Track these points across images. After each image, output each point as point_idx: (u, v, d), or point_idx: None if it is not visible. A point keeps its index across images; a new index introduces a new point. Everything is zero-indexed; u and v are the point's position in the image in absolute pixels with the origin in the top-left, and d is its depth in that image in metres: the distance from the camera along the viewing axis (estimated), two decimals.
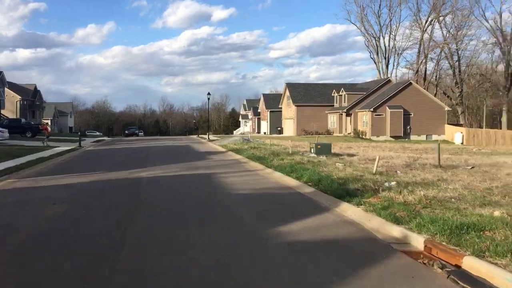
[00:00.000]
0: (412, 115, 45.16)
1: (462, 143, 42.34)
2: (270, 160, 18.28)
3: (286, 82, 55.26)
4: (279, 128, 56.90)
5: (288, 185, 11.60)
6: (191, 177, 13.71)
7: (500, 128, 57.58)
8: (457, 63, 65.11)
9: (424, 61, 63.32)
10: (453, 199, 8.22)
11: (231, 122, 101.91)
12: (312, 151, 22.42)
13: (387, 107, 44.77)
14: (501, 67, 63.56)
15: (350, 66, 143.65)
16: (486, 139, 42.66)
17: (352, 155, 23.02)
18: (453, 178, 11.96)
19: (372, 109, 44.61)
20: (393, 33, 65.95)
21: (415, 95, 45.59)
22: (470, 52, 67.57)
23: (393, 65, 66.53)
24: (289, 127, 53.55)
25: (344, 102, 48.53)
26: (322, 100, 51.78)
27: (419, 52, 62.73)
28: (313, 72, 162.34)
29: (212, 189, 10.99)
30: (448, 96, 64.50)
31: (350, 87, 51.51)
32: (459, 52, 64.46)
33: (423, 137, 45.30)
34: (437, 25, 64.09)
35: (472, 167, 16.85)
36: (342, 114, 48.55)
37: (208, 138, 41.09)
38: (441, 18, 62.89)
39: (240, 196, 9.98)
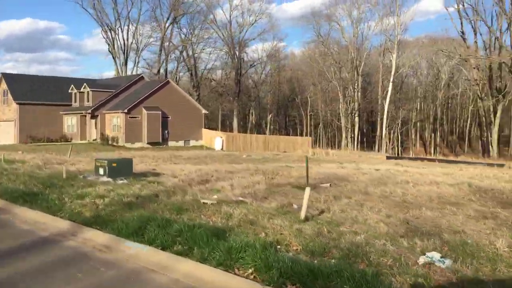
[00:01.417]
0: (170, 118, 40.06)
1: (222, 149, 40.04)
2: (51, 198, 9.66)
3: (1, 72, 41.08)
4: None
5: None
6: None
7: (232, 130, 59.44)
8: (194, 66, 64.29)
9: (165, 61, 59.61)
10: None
11: None
12: (102, 172, 14.17)
13: (143, 109, 38.14)
14: (234, 74, 66.30)
15: (53, 65, 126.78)
16: (243, 143, 41.71)
17: (158, 174, 15.90)
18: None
19: (126, 111, 37.10)
20: (132, 28, 59.69)
21: (173, 95, 40.65)
22: (207, 57, 68.23)
23: (135, 63, 60.19)
24: (7, 132, 39.81)
25: (88, 101, 39.07)
26: (57, 98, 40.54)
27: (160, 51, 58.52)
28: (10, 69, 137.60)
29: None
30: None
31: (95, 83, 42.23)
32: (195, 56, 63.81)
33: (181, 143, 40.86)
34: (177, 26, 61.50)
35: (330, 185, 12.97)
36: (85, 116, 38.95)
37: None
38: (178, 19, 60.52)
39: None
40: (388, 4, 58.42)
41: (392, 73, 58.38)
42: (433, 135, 73.69)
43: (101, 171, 13.99)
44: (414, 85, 75.91)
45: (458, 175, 17.28)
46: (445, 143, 77.34)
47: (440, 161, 35.10)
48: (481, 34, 47.73)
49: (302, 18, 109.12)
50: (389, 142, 67.52)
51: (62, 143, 37.12)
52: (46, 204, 8.91)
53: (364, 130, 76.27)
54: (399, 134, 72.02)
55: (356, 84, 61.91)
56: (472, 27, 47.30)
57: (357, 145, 64.67)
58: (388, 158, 38.21)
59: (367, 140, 73.81)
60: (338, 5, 63.48)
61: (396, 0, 55.91)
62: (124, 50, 58.65)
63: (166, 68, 60.07)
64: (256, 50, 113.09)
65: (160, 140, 38.86)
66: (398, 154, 56.45)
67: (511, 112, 41.14)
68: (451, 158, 40.11)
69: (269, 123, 69.14)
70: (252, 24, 65.90)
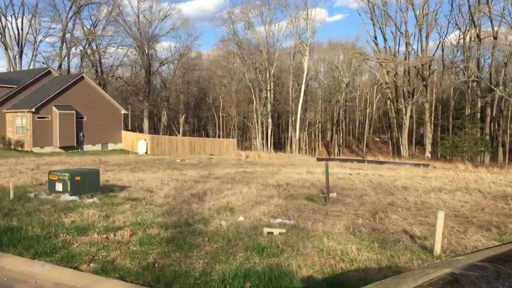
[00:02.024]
0: (85, 119, 35.48)
1: (146, 153, 36.61)
2: (40, 236, 6.96)
3: None
4: None
5: None
6: None
7: (142, 132, 55.48)
8: (99, 63, 58.85)
9: (67, 56, 53.44)
10: None
11: None
12: (61, 187, 11.41)
13: (54, 108, 33.16)
14: (143, 72, 62.01)
15: None
16: (169, 146, 38.68)
17: (124, 187, 13.32)
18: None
19: (34, 109, 31.89)
20: (28, 17, 52.54)
21: (88, 93, 36.05)
22: (114, 53, 62.94)
23: (33, 55, 52.96)
24: None
25: None
26: None
27: (62, 44, 52.28)
28: None
29: None
30: None
31: (15, 75, 35.87)
32: (100, 51, 58.45)
33: (99, 147, 36.46)
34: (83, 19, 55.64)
35: (335, 194, 11.90)
36: None
37: None
38: (81, 9, 54.70)
39: None
40: (299, 6, 59.11)
41: (304, 75, 59.23)
42: (336, 136, 76.83)
43: (58, 186, 11.05)
44: (315, 88, 78.15)
45: (435, 178, 17.11)
46: (344, 144, 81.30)
47: (369, 162, 35.84)
48: (386, 40, 50.64)
49: (215, 18, 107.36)
50: (298, 143, 68.89)
51: None
52: (43, 248, 6.09)
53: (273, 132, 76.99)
54: (307, 135, 73.93)
55: (268, 86, 61.81)
56: (382, 32, 49.94)
57: (270, 147, 64.71)
58: (318, 160, 38.23)
59: (277, 141, 74.49)
60: (250, 4, 62.83)
61: (307, 2, 56.53)
62: (19, 41, 51.35)
63: (69, 64, 54.00)
64: (168, 47, 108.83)
65: (75, 144, 34.20)
66: (316, 155, 57.58)
67: (426, 114, 43.86)
68: (375, 159, 41.50)
69: (182, 125, 66.07)
70: (162, 19, 62.33)
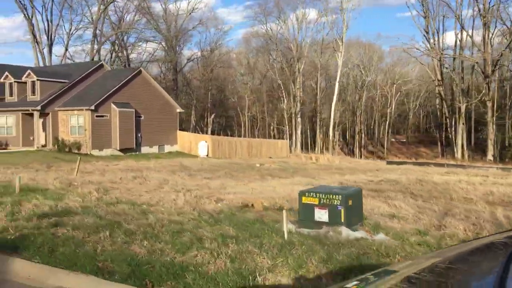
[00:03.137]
0: (143, 118, 32.08)
1: (207, 155, 33.32)
2: None
3: None
4: None
5: None
6: None
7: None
8: (127, 59, 55.35)
9: (99, 50, 49.84)
10: None
11: None
12: (327, 217, 8.19)
13: (113, 105, 29.71)
14: (171, 68, 58.50)
15: None
16: (229, 148, 35.45)
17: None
18: None
19: (93, 107, 28.44)
20: (57, 9, 48.84)
21: (145, 89, 32.65)
22: (142, 50, 59.36)
23: (65, 49, 49.31)
24: None
25: (34, 93, 29.32)
26: None
27: (94, 38, 48.66)
28: None
29: None
30: None
31: (41, 71, 32.20)
32: (128, 46, 55.00)
33: (155, 149, 33.05)
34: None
35: None
36: (31, 114, 29.25)
37: None
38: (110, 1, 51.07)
39: None
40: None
41: (338, 72, 56.22)
42: (357, 137, 73.96)
43: (321, 214, 7.85)
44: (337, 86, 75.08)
45: None
46: (363, 145, 78.73)
47: (448, 165, 32.97)
48: (437, 33, 47.93)
49: (246, 9, 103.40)
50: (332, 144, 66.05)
51: None
52: None
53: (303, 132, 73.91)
54: (339, 135, 71.19)
55: (298, 83, 58.75)
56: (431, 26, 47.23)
57: (301, 148, 61.68)
58: (389, 163, 35.36)
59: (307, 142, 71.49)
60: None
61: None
62: (48, 34, 47.64)
63: (99, 58, 50.33)
64: (197, 43, 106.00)
65: (134, 146, 30.80)
66: (360, 156, 54.69)
67: (488, 114, 41.12)
68: (442, 161, 38.69)
69: (211, 124, 62.70)
70: (189, 13, 58.82)
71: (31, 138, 29.81)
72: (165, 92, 34.89)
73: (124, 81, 30.65)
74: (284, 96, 60.09)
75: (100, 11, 47.86)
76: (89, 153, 28.43)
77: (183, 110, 36.58)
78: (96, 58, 49.05)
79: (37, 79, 29.00)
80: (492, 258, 1.65)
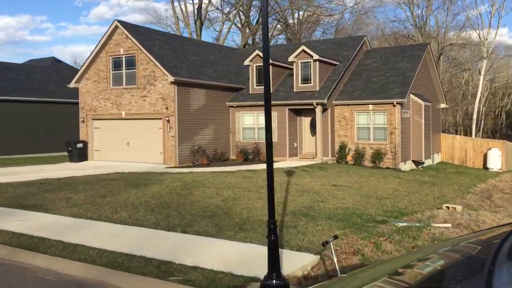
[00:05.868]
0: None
1: (501, 169, 24.03)
2: None
3: (117, 19, 20.14)
4: (78, 146, 21.00)
5: None
6: None
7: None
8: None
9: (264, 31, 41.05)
10: None
11: None
12: None
13: (413, 97, 20.75)
14: None
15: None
16: None
17: None
18: None
19: (402, 100, 19.55)
20: None
21: (428, 75, 23.74)
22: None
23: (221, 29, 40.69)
24: (155, 140, 19.97)
25: (310, 81, 20.56)
26: (219, 76, 21.46)
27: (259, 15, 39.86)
28: None
29: None
30: None
31: (318, 45, 23.60)
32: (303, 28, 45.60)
33: (429, 160, 23.88)
34: None
35: None
36: (296, 110, 20.74)
37: None
38: None
39: None
40: None
41: (484, 65, 44.53)
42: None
43: None
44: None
45: None
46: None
47: None
48: None
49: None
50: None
51: (249, 165, 18.65)
52: None
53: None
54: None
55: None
56: None
57: None
58: None
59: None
60: None
61: None
62: (199, 11, 39.19)
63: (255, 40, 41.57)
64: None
65: (423, 159, 21.57)
66: None
67: None
68: None
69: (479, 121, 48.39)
70: None
71: (295, 145, 21.16)
72: (437, 77, 25.43)
73: (420, 63, 21.69)
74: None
75: None
76: (396, 167, 19.50)
77: (447, 106, 27.19)
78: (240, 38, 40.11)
79: (314, 60, 20.14)
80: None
